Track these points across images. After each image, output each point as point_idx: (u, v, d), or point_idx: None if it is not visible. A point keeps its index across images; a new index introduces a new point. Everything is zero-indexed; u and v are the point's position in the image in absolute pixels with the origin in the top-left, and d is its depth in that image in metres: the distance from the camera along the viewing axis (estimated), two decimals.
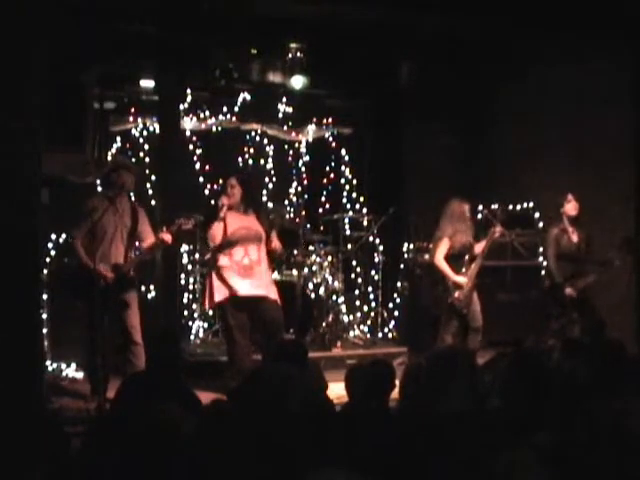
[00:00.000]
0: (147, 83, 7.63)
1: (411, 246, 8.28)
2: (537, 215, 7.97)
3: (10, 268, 3.49)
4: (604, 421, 2.61)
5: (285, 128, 8.73)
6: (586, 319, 6.70)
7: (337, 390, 4.15)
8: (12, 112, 3.52)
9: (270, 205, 8.82)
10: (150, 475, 2.54)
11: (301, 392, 3.20)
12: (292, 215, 9.04)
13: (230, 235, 6.15)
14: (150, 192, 7.82)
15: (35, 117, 3.60)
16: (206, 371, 6.51)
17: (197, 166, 8.44)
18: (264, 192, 8.88)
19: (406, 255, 8.34)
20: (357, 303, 8.42)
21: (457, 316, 6.64)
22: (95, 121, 7.19)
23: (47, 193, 6.08)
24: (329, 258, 7.99)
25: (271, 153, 8.99)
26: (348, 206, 8.93)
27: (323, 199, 9.29)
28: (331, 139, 9.14)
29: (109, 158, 7.67)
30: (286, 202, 9.11)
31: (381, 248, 8.40)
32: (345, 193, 9.06)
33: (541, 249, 7.40)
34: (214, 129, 8.42)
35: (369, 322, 8.33)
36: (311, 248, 8.09)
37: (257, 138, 8.86)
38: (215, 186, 8.27)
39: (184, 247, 7.77)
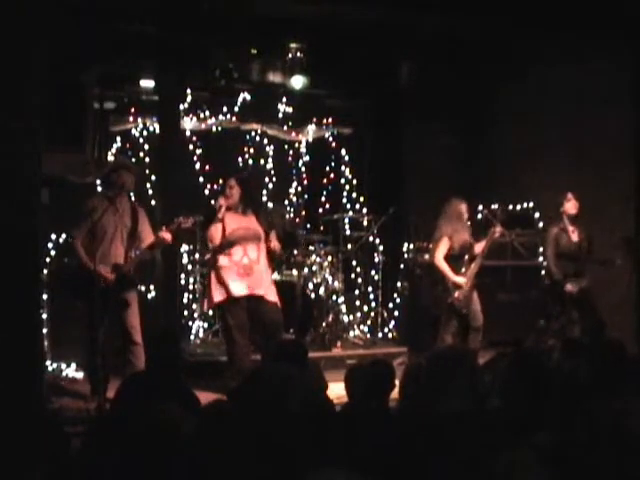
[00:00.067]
0: (147, 83, 7.63)
1: (411, 246, 8.28)
2: (537, 215, 7.98)
3: (10, 268, 3.49)
4: (604, 421, 2.61)
5: (285, 128, 8.74)
6: (586, 319, 6.71)
7: (337, 390, 4.15)
8: (12, 112, 3.52)
9: (270, 205, 8.83)
10: (150, 475, 2.54)
11: (301, 392, 3.20)
12: (292, 215, 9.05)
13: (229, 235, 6.16)
14: (150, 192, 7.82)
15: (35, 117, 3.60)
16: (206, 371, 6.51)
17: (197, 166, 8.44)
18: (264, 192, 8.88)
19: (406, 255, 8.34)
20: (357, 303, 8.43)
21: (457, 316, 6.65)
22: (95, 121, 7.19)
23: (47, 193, 6.08)
24: (329, 258, 7.99)
25: (271, 153, 8.99)
26: (348, 206, 8.93)
27: (323, 199, 9.30)
28: (331, 139, 9.14)
29: (109, 158, 7.68)
30: (286, 202, 9.12)
31: (381, 248, 8.40)
32: (345, 193, 9.07)
33: (541, 249, 7.40)
34: (214, 129, 8.42)
35: (369, 322, 8.33)
36: (311, 248, 8.09)
37: (257, 138, 8.86)
38: (215, 186, 8.27)
39: (184, 247, 7.77)
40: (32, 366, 3.67)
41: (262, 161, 8.95)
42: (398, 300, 8.34)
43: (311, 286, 7.78)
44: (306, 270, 7.82)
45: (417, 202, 8.38)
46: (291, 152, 9.22)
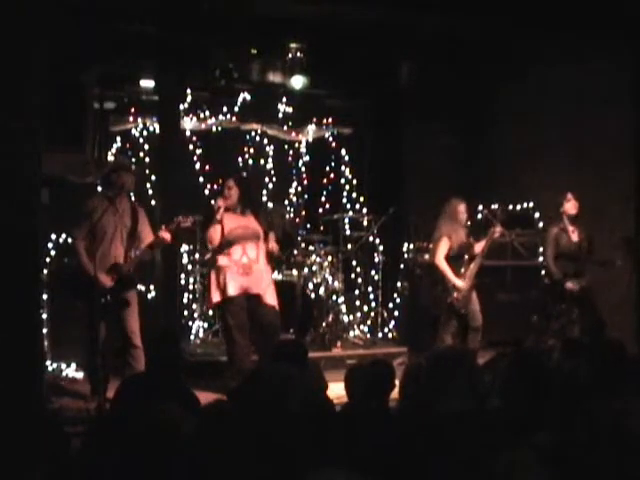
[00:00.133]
0: (147, 83, 7.63)
1: (411, 246, 8.28)
2: (537, 215, 7.98)
3: (10, 268, 3.49)
4: (604, 421, 2.61)
5: (285, 128, 8.74)
6: (586, 318, 6.71)
7: (337, 390, 4.14)
8: (12, 112, 3.53)
9: (270, 205, 8.83)
10: (150, 475, 2.54)
11: (301, 392, 3.20)
12: (292, 215, 9.06)
13: (227, 234, 6.17)
14: (150, 192, 7.82)
15: (35, 117, 3.60)
16: (206, 371, 6.51)
17: (197, 166, 8.44)
18: (264, 192, 8.88)
19: (406, 255, 8.34)
20: (357, 303, 8.42)
21: (456, 316, 6.65)
22: (95, 121, 7.20)
23: (47, 193, 6.08)
24: (329, 258, 7.99)
25: (271, 153, 9.00)
26: (348, 206, 8.93)
27: (323, 199, 9.30)
28: (331, 139, 9.14)
29: (109, 158, 7.67)
30: (286, 202, 9.12)
31: (381, 248, 8.40)
32: (345, 193, 9.07)
33: (541, 249, 7.40)
34: (214, 129, 8.42)
35: (369, 322, 8.33)
36: (311, 248, 8.10)
37: (257, 138, 8.86)
38: (215, 186, 8.26)
39: (184, 247, 7.77)
40: (32, 366, 3.67)
41: (262, 161, 8.96)
42: (398, 300, 8.34)
43: (311, 286, 7.78)
44: (306, 270, 7.83)
45: (417, 202, 8.38)
46: (291, 152, 9.22)
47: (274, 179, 9.02)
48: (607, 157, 7.36)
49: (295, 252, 7.88)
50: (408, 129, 8.65)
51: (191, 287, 7.87)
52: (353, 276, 8.63)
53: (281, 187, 9.10)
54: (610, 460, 2.49)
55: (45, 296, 6.45)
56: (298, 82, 7.93)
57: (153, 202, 7.62)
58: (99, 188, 6.93)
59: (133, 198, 6.37)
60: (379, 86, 8.40)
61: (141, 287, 6.88)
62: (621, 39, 7.18)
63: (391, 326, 8.25)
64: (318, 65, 7.86)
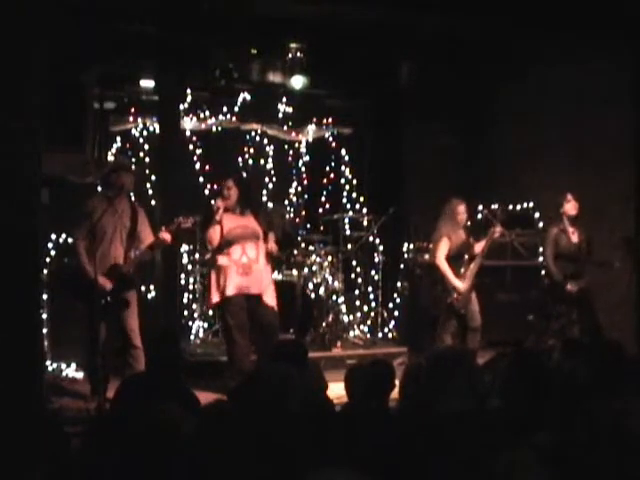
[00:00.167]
0: (147, 83, 7.63)
1: (411, 246, 8.28)
2: (537, 215, 7.97)
3: (10, 268, 3.49)
4: (604, 421, 2.61)
5: (285, 128, 8.74)
6: (584, 319, 6.71)
7: (337, 390, 4.15)
8: (12, 112, 3.53)
9: (270, 205, 8.83)
10: (150, 475, 2.54)
11: (301, 392, 3.21)
12: (292, 215, 9.06)
13: (226, 234, 6.17)
14: (150, 192, 7.82)
15: (35, 117, 3.60)
16: (206, 371, 6.52)
17: (197, 166, 8.44)
18: (264, 192, 8.88)
19: (406, 255, 8.34)
20: (357, 303, 8.42)
21: (455, 316, 6.64)
22: (95, 121, 7.19)
23: (47, 193, 6.08)
24: (329, 258, 7.99)
25: (271, 153, 9.00)
26: (348, 206, 8.93)
27: (323, 199, 9.30)
28: (331, 139, 9.14)
29: (109, 158, 7.67)
30: (286, 202, 9.12)
31: (381, 248, 8.40)
32: (345, 193, 9.07)
33: (541, 249, 7.40)
34: (214, 129, 8.42)
35: (369, 322, 8.33)
36: (311, 248, 8.09)
37: (257, 138, 8.86)
38: (215, 186, 8.25)
39: (184, 247, 7.77)
40: (32, 366, 3.67)
41: (262, 161, 8.95)
42: (398, 300, 8.34)
43: (311, 286, 7.78)
44: (306, 270, 7.83)
45: (417, 202, 8.38)
46: (291, 152, 9.22)
47: (274, 179, 9.02)
48: (607, 157, 7.36)
49: (295, 252, 7.88)
50: (408, 129, 8.65)
51: (191, 287, 7.87)
52: (353, 276, 8.62)
53: (281, 187, 9.09)
54: (610, 460, 2.49)
55: (45, 296, 6.45)
56: (298, 82, 7.93)
57: (153, 202, 7.61)
58: (99, 188, 6.93)
59: (133, 198, 6.37)
60: (379, 86, 8.40)
61: (141, 287, 6.88)
62: (621, 39, 7.18)
63: (391, 326, 8.25)
64: (318, 65, 7.86)
